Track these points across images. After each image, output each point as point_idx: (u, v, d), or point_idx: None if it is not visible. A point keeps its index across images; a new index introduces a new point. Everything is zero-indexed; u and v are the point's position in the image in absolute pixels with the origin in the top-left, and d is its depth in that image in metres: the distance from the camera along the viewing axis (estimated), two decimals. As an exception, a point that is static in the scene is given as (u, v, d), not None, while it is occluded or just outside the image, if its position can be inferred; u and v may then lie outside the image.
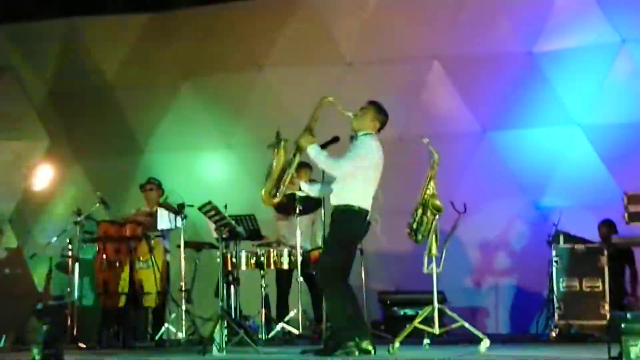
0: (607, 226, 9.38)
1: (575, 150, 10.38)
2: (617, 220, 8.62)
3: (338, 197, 6.91)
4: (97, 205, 9.34)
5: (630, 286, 9.33)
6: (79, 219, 9.07)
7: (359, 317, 6.93)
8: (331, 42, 11.12)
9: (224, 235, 8.06)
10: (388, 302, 10.01)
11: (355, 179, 6.89)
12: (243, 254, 9.21)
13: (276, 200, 7.08)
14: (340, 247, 6.90)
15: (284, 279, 9.52)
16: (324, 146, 7.08)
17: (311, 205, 8.76)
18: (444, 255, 7.41)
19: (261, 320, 9.08)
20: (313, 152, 6.94)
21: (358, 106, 7.06)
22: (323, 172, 7.13)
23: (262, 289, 9.20)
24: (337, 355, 6.73)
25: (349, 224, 6.88)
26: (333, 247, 6.95)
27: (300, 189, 7.24)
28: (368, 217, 6.97)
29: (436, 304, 7.32)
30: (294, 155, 7.03)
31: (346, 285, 6.91)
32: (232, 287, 9.12)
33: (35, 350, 6.04)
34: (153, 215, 9.21)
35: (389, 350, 7.05)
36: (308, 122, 7.03)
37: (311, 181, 7.48)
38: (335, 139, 7.24)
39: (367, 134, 7.00)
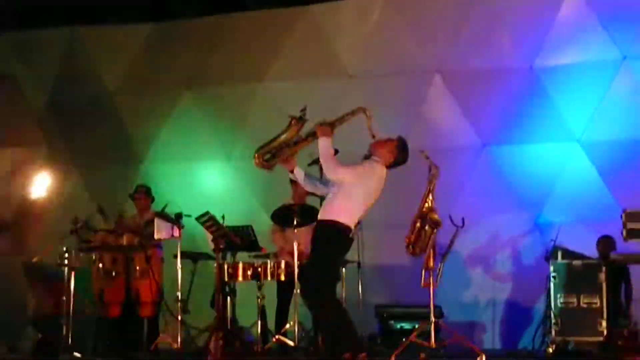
0: (606, 242, 9.36)
1: (575, 166, 10.36)
2: (615, 237, 8.57)
3: (324, 212, 6.94)
4: (95, 214, 9.33)
5: (625, 303, 9.30)
6: (76, 227, 9.05)
7: (350, 330, 6.90)
8: (333, 54, 11.13)
9: (221, 246, 8.03)
10: (385, 315, 9.98)
11: (345, 196, 6.88)
12: (240, 265, 9.18)
13: (265, 164, 7.08)
14: (323, 262, 6.90)
15: (285, 290, 9.49)
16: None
17: (309, 216, 8.74)
18: (441, 269, 7.39)
19: (257, 332, 9.05)
20: (324, 143, 6.97)
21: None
22: (321, 172, 7.14)
23: (259, 300, 9.17)
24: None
25: (330, 239, 6.90)
26: (316, 262, 6.95)
27: (292, 172, 7.21)
28: (351, 234, 6.95)
29: (433, 318, 7.30)
30: (306, 137, 7.04)
31: (332, 298, 6.90)
32: (228, 298, 9.10)
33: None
34: (144, 224, 9.18)
35: (384, 364, 7.03)
36: (335, 119, 7.04)
37: (308, 174, 7.43)
38: (335, 151, 7.24)
39: (377, 161, 7.00)
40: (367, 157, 7.09)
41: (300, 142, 7.09)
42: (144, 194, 9.68)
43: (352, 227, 6.92)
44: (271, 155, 7.10)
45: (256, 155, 7.13)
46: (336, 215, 6.86)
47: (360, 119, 7.04)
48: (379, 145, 7.06)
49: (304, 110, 7.08)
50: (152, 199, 9.62)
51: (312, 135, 7.07)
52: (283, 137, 7.09)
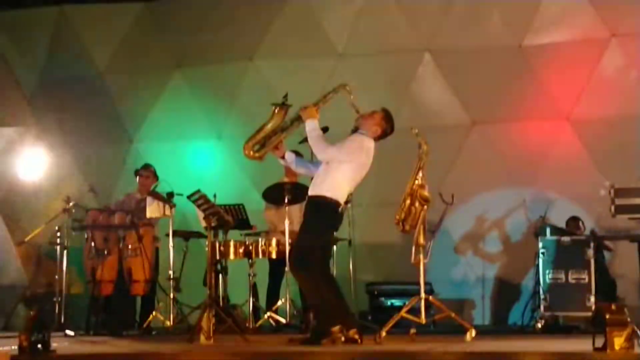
0: (574, 223, 9.54)
1: (563, 143, 10.43)
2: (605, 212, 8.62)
3: (314, 188, 7.01)
4: (87, 193, 9.36)
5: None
6: (67, 206, 9.08)
7: (340, 305, 6.97)
8: (323, 33, 11.13)
9: (212, 224, 8.08)
10: (376, 292, 10.05)
11: (335, 172, 6.95)
12: (231, 243, 9.24)
13: (256, 155, 7.14)
14: (312, 237, 6.96)
15: (277, 269, 9.55)
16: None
17: (300, 194, 8.78)
18: (431, 245, 7.45)
19: (249, 309, 9.11)
20: (310, 125, 7.04)
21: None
22: (311, 153, 7.19)
23: (250, 278, 9.23)
24: (323, 344, 6.77)
25: (320, 213, 6.97)
26: (305, 237, 7.03)
27: (283, 157, 7.27)
28: (340, 209, 7.01)
29: (423, 295, 7.36)
30: (291, 123, 7.10)
31: (323, 274, 6.97)
32: (220, 276, 9.16)
33: (22, 337, 6.05)
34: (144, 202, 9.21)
35: (375, 340, 7.08)
36: (317, 99, 7.10)
37: (298, 155, 7.49)
38: (324, 129, 7.29)
39: (364, 134, 7.05)
40: (353, 131, 7.13)
41: (287, 128, 7.15)
42: (153, 174, 9.71)
43: (341, 202, 6.98)
44: (260, 145, 7.16)
45: (245, 147, 7.19)
46: (325, 191, 6.93)
47: (342, 96, 7.09)
48: (365, 119, 7.11)
49: (285, 96, 7.15)
50: (157, 180, 9.63)
51: (298, 120, 7.12)
52: (269, 126, 7.15)
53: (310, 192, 7.04)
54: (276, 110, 7.15)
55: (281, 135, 7.15)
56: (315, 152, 7.07)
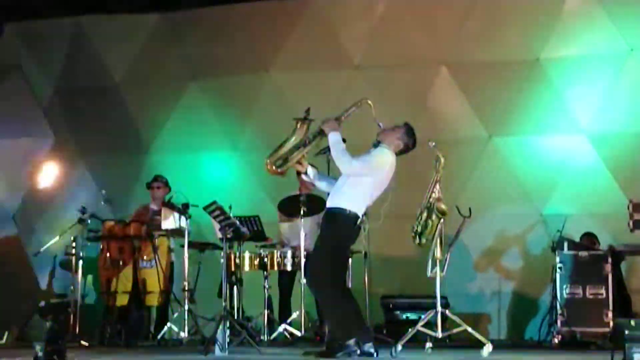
0: (589, 240, 9.50)
1: (581, 158, 10.37)
2: (623, 227, 8.55)
3: (332, 200, 6.96)
4: (102, 204, 9.36)
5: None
6: (83, 217, 9.09)
7: (357, 318, 6.92)
8: (339, 46, 11.13)
9: (228, 236, 8.06)
10: (391, 306, 10.00)
11: (356, 185, 6.92)
12: (247, 255, 9.22)
13: (278, 170, 7.09)
14: (329, 250, 6.92)
15: (285, 280, 9.52)
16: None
17: (316, 206, 8.75)
18: (448, 259, 7.40)
19: (263, 322, 9.08)
20: (334, 138, 6.98)
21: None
22: (328, 166, 7.15)
23: (265, 290, 9.20)
24: (338, 357, 6.73)
25: (338, 226, 6.92)
26: (322, 249, 6.98)
27: (305, 173, 7.23)
28: (358, 222, 6.97)
29: (439, 308, 7.31)
30: (314, 137, 7.05)
31: (340, 286, 6.93)
32: (235, 287, 9.14)
33: (37, 347, 6.04)
34: (159, 214, 9.20)
35: (391, 353, 7.04)
36: (339, 113, 7.07)
37: (319, 172, 7.44)
38: (343, 141, 7.26)
39: (387, 148, 7.02)
40: (376, 146, 7.11)
41: (309, 142, 7.08)
42: (164, 184, 9.73)
43: (360, 215, 6.94)
44: (282, 161, 7.09)
45: (267, 162, 7.12)
46: (344, 203, 6.89)
47: (363, 110, 7.07)
48: (388, 134, 7.09)
49: (307, 110, 7.10)
50: (169, 191, 9.64)
51: (320, 134, 7.06)
52: (292, 140, 7.08)
53: (329, 204, 7.00)
54: (298, 125, 7.09)
55: (303, 150, 7.08)
56: (339, 165, 6.98)
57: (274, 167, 7.11)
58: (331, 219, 6.95)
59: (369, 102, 7.05)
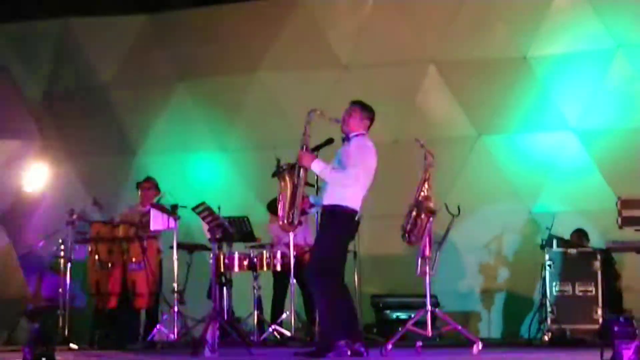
0: (579, 235, 9.50)
1: (570, 155, 10.39)
2: (612, 224, 8.56)
3: (329, 197, 6.94)
4: (90, 205, 9.32)
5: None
6: (71, 219, 9.05)
7: (350, 318, 6.91)
8: (327, 45, 11.11)
9: (217, 237, 8.03)
10: (381, 305, 10.00)
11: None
12: (236, 256, 9.20)
13: (295, 223, 7.09)
14: (329, 246, 6.90)
15: (280, 282, 9.50)
16: (318, 148, 7.11)
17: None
18: (437, 258, 7.40)
19: (254, 322, 9.06)
20: (318, 168, 6.97)
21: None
22: (317, 175, 7.14)
23: (255, 290, 9.18)
24: (329, 357, 6.72)
25: (337, 223, 6.90)
26: (322, 246, 6.96)
27: (311, 206, 7.20)
28: (357, 217, 6.97)
29: (429, 307, 7.31)
30: (299, 176, 7.04)
31: (337, 284, 6.90)
32: (224, 288, 9.11)
33: (26, 351, 6.01)
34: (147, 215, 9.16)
35: (381, 353, 7.03)
36: (302, 140, 7.04)
37: (317, 192, 7.43)
38: (330, 141, 7.26)
39: (359, 135, 7.00)
40: (344, 140, 7.05)
41: (299, 182, 7.06)
42: (154, 186, 9.68)
43: (358, 209, 6.93)
44: (292, 213, 7.07)
45: (283, 226, 7.12)
46: (342, 200, 6.87)
47: (319, 120, 7.04)
48: (350, 122, 7.03)
49: (278, 161, 7.17)
50: (159, 193, 9.60)
51: (303, 170, 7.03)
52: (286, 192, 7.07)
53: (326, 202, 6.96)
54: (282, 176, 7.08)
55: (300, 190, 7.07)
56: (342, 185, 6.94)
57: (291, 224, 7.09)
58: (330, 216, 6.93)
59: (317, 111, 7.04)
